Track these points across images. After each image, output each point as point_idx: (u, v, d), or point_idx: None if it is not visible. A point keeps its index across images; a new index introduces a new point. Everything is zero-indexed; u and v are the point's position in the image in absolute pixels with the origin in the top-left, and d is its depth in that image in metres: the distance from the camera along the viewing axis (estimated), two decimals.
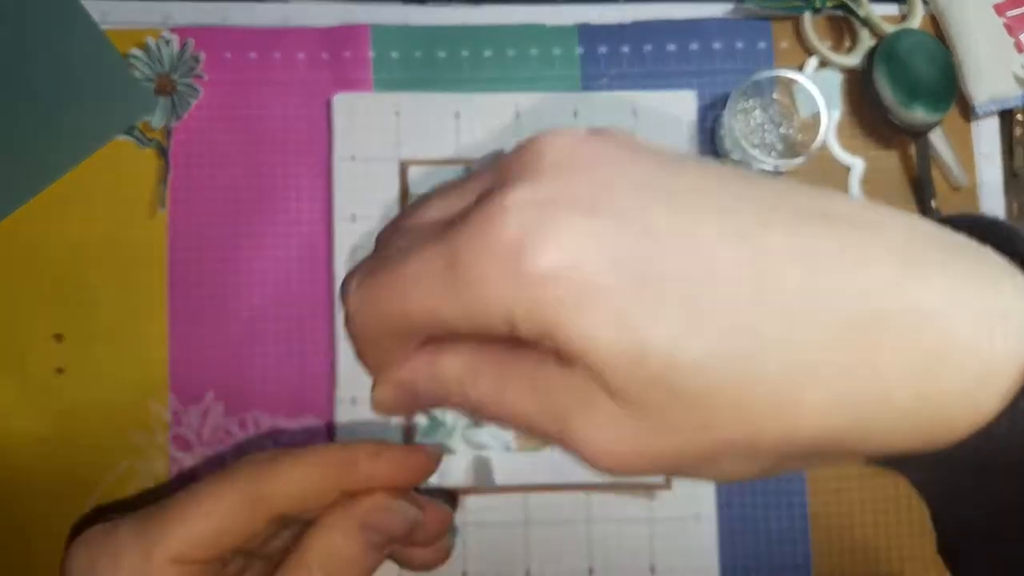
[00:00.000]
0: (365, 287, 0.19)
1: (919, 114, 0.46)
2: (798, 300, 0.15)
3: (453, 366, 0.19)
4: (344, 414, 0.44)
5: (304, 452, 0.30)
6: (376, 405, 0.22)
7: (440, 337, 0.19)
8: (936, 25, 0.50)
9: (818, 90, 0.43)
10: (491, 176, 0.19)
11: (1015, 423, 0.15)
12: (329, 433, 0.44)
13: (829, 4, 0.48)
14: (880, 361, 0.15)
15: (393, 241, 0.19)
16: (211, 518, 0.29)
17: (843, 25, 0.50)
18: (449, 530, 0.36)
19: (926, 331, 0.15)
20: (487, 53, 0.48)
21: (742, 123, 0.46)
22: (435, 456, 0.32)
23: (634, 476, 0.17)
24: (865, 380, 0.15)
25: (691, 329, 0.15)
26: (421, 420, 0.44)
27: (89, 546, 0.30)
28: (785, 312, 0.15)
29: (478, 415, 0.20)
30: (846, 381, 0.15)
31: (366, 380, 0.45)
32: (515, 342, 0.18)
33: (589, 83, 0.47)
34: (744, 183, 0.17)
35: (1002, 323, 0.15)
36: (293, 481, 0.29)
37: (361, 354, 0.21)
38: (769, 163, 0.44)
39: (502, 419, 0.19)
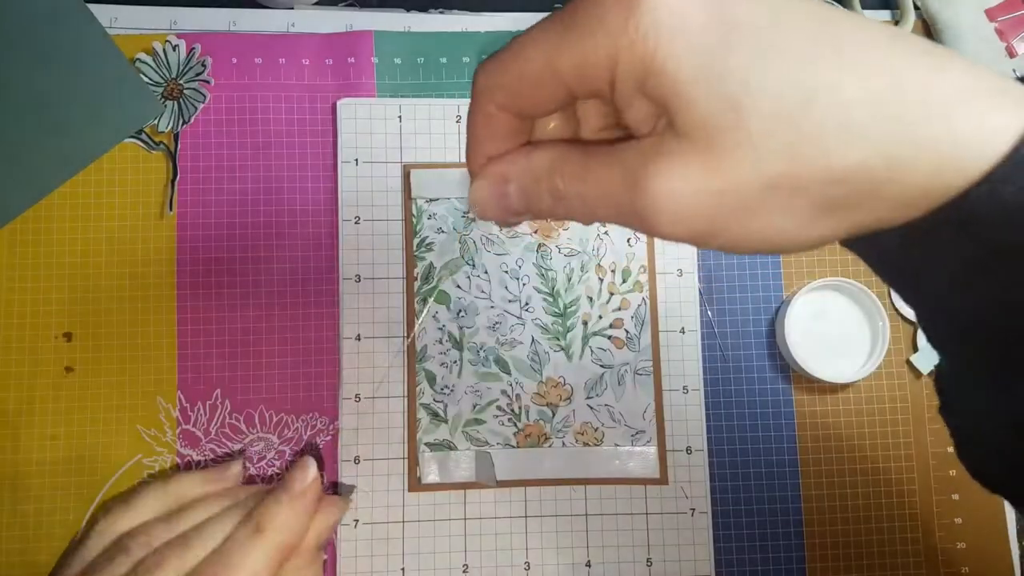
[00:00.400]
0: (494, 59, 0.22)
1: None
2: (851, 50, 0.19)
3: (545, 156, 0.23)
4: (348, 411, 0.45)
5: (245, 560, 0.36)
6: (472, 200, 0.25)
7: (536, 142, 0.24)
8: (928, 30, 0.50)
9: None
10: None
11: (1016, 165, 0.18)
12: (332, 430, 0.45)
13: None
14: (908, 114, 0.19)
15: None
16: None
17: None
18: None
19: (944, 90, 0.19)
20: None
21: None
22: (314, 485, 0.40)
23: (691, 232, 0.20)
24: (894, 121, 0.19)
25: (762, 61, 0.19)
26: (424, 417, 0.45)
27: None
28: (838, 54, 0.19)
29: (562, 210, 0.23)
30: (879, 122, 0.19)
31: (369, 378, 0.46)
32: (593, 145, 0.22)
33: None
34: None
35: (1002, 96, 0.19)
36: None
37: (472, 142, 0.24)
38: None
39: (583, 203, 0.22)
